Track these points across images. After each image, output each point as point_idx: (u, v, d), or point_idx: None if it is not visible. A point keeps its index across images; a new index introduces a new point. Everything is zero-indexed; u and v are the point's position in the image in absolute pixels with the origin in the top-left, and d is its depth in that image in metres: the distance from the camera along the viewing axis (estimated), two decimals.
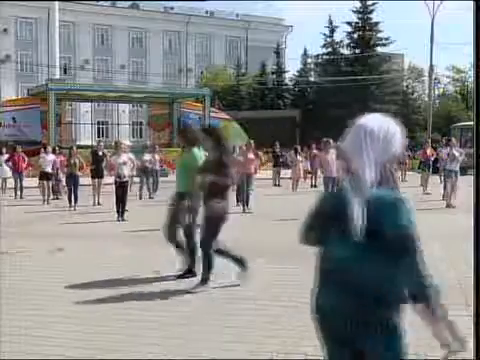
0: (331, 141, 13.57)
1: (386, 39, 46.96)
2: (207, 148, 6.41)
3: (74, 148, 16.24)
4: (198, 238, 6.53)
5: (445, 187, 15.71)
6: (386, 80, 45.57)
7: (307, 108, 43.13)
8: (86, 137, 42.88)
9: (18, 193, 18.03)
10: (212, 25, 63.72)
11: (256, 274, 7.11)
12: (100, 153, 16.25)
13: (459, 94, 53.42)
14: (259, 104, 47.45)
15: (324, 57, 48.66)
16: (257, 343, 4.58)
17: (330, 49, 47.88)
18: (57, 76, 42.05)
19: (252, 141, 15.46)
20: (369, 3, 46.24)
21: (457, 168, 15.30)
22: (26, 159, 19.17)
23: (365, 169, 2.29)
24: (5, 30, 55.47)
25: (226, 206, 6.23)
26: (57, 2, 43.35)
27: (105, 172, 15.67)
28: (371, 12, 46.41)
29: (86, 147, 26.11)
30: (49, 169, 16.76)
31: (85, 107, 46.85)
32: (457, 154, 15.44)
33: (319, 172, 17.63)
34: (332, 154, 13.44)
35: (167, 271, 7.38)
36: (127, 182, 13.09)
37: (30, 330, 4.89)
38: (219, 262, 6.34)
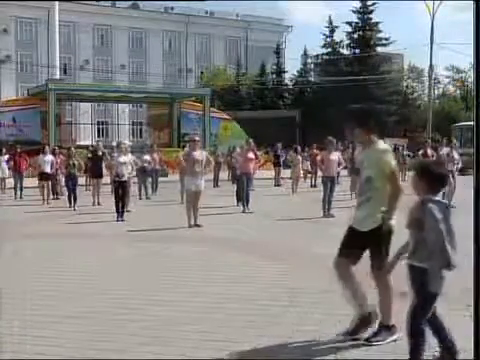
0: (334, 141, 13.55)
1: (386, 39, 47.01)
2: None
3: (72, 149, 16.26)
4: None
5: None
6: (386, 80, 45.57)
7: (307, 108, 43.13)
8: (86, 137, 42.91)
9: (18, 193, 18.03)
10: (212, 25, 63.69)
11: (256, 274, 7.11)
12: (99, 153, 16.28)
13: (459, 94, 53.42)
14: (259, 104, 47.47)
15: (324, 57, 48.69)
16: (257, 343, 4.58)
17: (330, 49, 47.90)
18: (57, 76, 42.11)
19: (251, 141, 15.47)
20: (369, 3, 46.28)
21: (454, 168, 15.28)
22: (27, 159, 19.18)
23: None
24: (5, 30, 55.43)
25: None
26: (57, 2, 43.38)
27: (105, 171, 15.67)
28: (371, 12, 46.45)
29: (86, 147, 26.11)
30: (48, 169, 16.76)
31: (85, 107, 46.85)
32: (457, 156, 15.42)
33: (319, 172, 17.61)
34: (334, 154, 13.45)
35: (167, 270, 7.38)
36: (126, 182, 13.08)
37: (30, 330, 4.89)
38: None
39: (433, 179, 3.87)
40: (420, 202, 3.86)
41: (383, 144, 4.66)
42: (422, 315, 3.84)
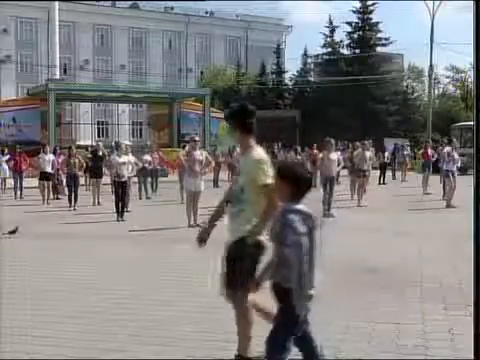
0: (332, 141, 13.63)
1: (386, 39, 47.00)
2: None
3: (73, 148, 16.28)
4: None
5: (445, 187, 15.73)
6: (386, 80, 45.57)
7: (307, 108, 43.11)
8: (86, 137, 42.93)
9: (18, 193, 18.03)
10: (212, 25, 63.67)
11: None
12: (100, 153, 16.31)
13: (459, 94, 53.39)
14: (259, 104, 47.33)
15: (324, 57, 48.67)
16: (257, 343, 4.57)
17: (330, 49, 47.89)
18: (57, 76, 42.07)
19: None
20: (369, 3, 46.27)
21: (454, 168, 15.32)
22: (27, 159, 19.18)
23: None
24: (5, 30, 55.43)
25: None
26: (57, 2, 43.36)
27: (106, 172, 15.69)
28: (371, 12, 46.44)
29: (86, 147, 26.13)
30: (49, 169, 16.78)
31: (85, 107, 46.87)
32: (456, 156, 15.44)
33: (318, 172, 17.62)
34: (333, 154, 13.51)
35: (167, 270, 7.38)
36: (126, 182, 13.09)
37: (30, 330, 4.88)
38: None
39: (295, 183, 3.33)
40: (281, 212, 3.37)
41: (260, 151, 4.04)
42: (283, 337, 3.42)
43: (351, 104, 41.51)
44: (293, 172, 3.37)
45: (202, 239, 4.34)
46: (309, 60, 51.21)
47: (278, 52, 52.86)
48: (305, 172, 3.44)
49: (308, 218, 3.33)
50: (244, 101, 4.94)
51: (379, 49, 47.14)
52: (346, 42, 47.44)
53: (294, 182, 3.33)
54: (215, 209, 4.39)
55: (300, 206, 3.34)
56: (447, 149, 15.96)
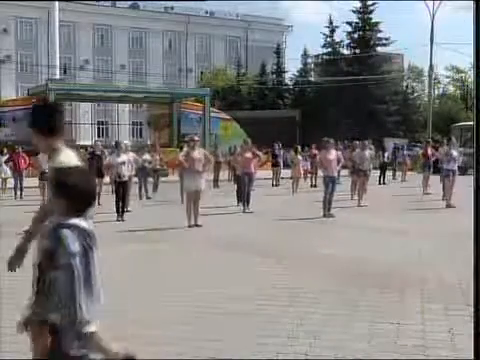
0: (331, 141, 13.66)
1: (386, 39, 47.03)
2: None
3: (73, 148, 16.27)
4: None
5: (444, 187, 15.73)
6: (386, 80, 45.60)
7: (307, 108, 43.12)
8: (86, 137, 42.91)
9: (18, 193, 18.02)
10: (212, 25, 63.69)
11: (256, 274, 7.11)
12: (98, 152, 16.29)
13: (459, 94, 53.44)
14: (259, 104, 47.44)
15: (324, 57, 48.71)
16: (257, 343, 4.58)
17: (330, 49, 47.92)
18: (57, 76, 42.08)
19: (249, 140, 15.58)
20: (369, 3, 46.29)
21: (455, 167, 15.32)
22: (27, 159, 19.17)
23: None
24: (5, 30, 55.44)
25: None
26: (57, 2, 43.37)
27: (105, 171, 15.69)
28: (371, 12, 46.47)
29: (86, 147, 26.12)
30: None
31: (85, 107, 46.87)
32: (456, 154, 15.45)
33: (319, 172, 17.63)
34: (332, 154, 13.52)
35: (167, 270, 7.38)
36: (127, 182, 13.08)
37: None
38: None
39: (69, 195, 2.72)
40: (52, 227, 2.76)
41: (67, 154, 3.37)
42: None
43: (351, 104, 41.51)
44: (67, 182, 2.73)
45: (11, 267, 3.72)
46: (309, 60, 51.30)
47: (278, 52, 52.91)
48: (84, 182, 2.79)
49: (85, 235, 2.84)
50: (52, 101, 4.13)
51: (379, 49, 47.18)
52: (346, 42, 47.51)
53: (68, 194, 2.72)
54: (25, 234, 3.82)
55: (76, 220, 2.77)
56: (445, 148, 15.97)
